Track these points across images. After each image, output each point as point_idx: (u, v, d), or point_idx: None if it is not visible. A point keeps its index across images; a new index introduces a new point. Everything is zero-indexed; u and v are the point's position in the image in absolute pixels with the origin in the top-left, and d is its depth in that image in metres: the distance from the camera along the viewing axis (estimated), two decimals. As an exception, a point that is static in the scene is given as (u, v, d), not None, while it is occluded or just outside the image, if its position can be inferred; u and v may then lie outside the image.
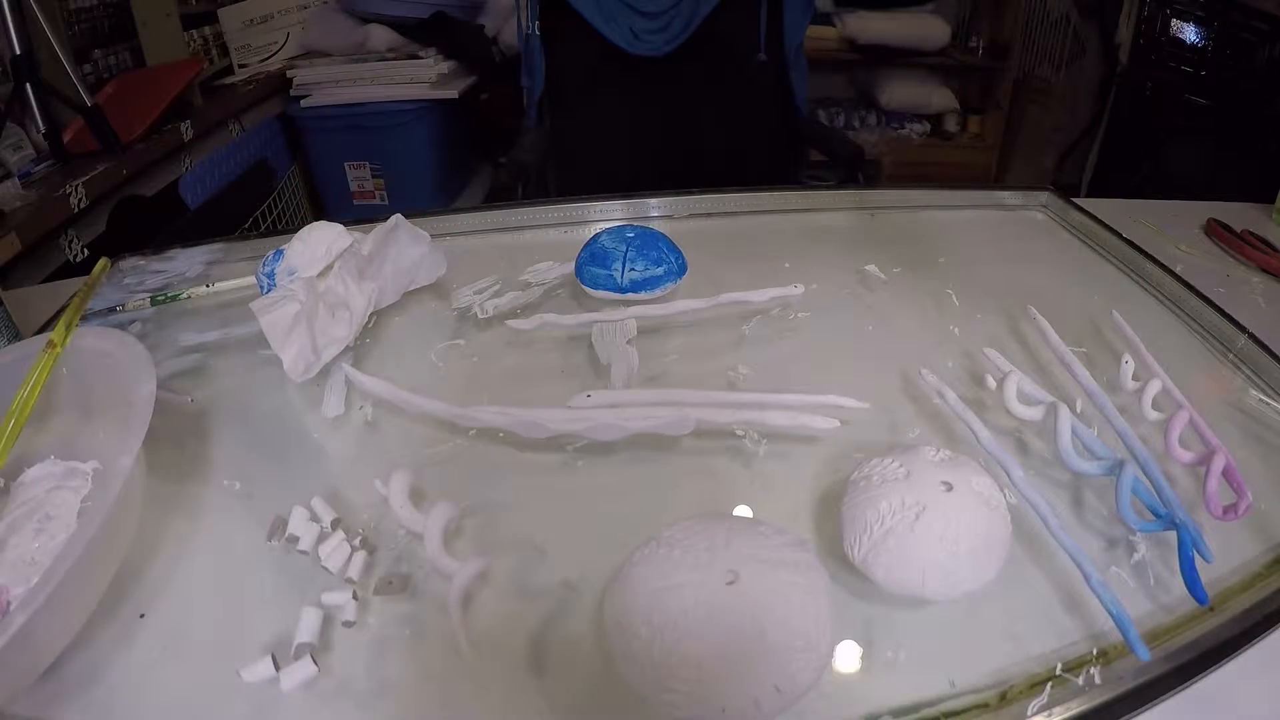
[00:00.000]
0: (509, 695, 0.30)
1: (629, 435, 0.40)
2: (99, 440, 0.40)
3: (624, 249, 0.52)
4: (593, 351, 0.48)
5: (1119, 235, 0.61)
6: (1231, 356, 0.49)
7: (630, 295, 0.52)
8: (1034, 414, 0.41)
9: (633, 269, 0.51)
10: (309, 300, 0.45)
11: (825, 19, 2.01)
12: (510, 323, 0.50)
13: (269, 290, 0.50)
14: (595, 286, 0.52)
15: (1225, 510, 0.35)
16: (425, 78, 1.46)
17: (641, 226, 0.54)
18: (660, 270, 0.52)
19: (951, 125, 2.29)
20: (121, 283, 0.58)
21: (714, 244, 0.63)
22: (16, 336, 0.50)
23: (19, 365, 0.38)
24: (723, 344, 0.50)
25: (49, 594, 0.27)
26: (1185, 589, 0.32)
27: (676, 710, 0.27)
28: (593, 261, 0.52)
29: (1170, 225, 0.67)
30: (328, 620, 0.32)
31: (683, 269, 0.53)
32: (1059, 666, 0.30)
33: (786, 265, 0.59)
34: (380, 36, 1.49)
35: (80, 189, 0.92)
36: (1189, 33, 1.57)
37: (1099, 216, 0.64)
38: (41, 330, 0.54)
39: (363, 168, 1.55)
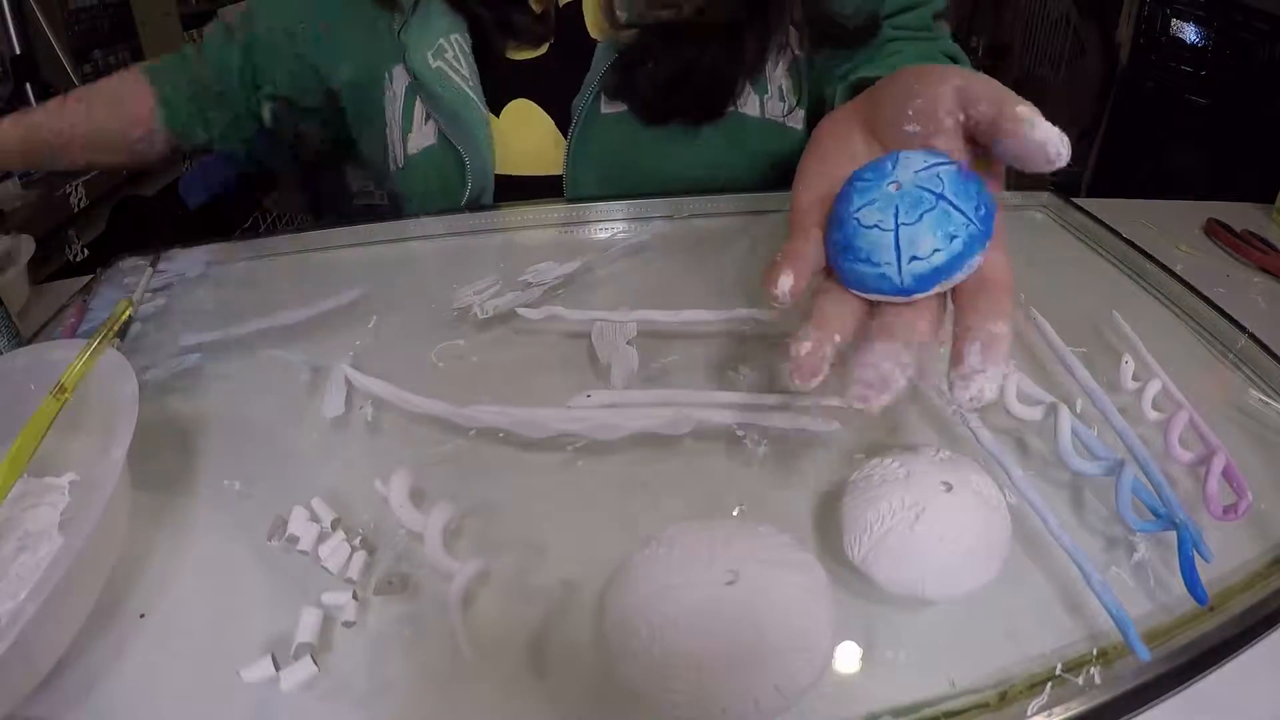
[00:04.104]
0: (509, 695, 0.30)
1: (628, 435, 0.40)
2: (75, 453, 0.39)
3: (893, 222, 0.31)
4: (593, 351, 0.48)
5: (1119, 235, 0.61)
6: (1231, 356, 0.49)
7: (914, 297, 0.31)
8: (1034, 414, 0.41)
9: (915, 256, 0.30)
10: None
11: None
12: (520, 310, 0.50)
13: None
14: (865, 290, 0.32)
15: (1225, 510, 0.35)
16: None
17: (930, 168, 0.31)
18: (958, 244, 0.30)
19: (951, 125, 2.28)
20: (121, 283, 0.58)
21: (717, 245, 0.63)
22: (16, 336, 0.49)
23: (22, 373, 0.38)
24: (723, 344, 0.50)
25: (40, 606, 0.26)
26: (1185, 589, 0.32)
27: (676, 710, 0.27)
28: (850, 253, 0.32)
29: (1170, 225, 0.67)
30: (328, 620, 0.32)
31: (988, 231, 0.30)
32: (1059, 666, 0.30)
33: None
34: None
35: (80, 189, 0.92)
36: (1189, 33, 1.57)
37: (1099, 216, 0.64)
38: (38, 334, 0.54)
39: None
